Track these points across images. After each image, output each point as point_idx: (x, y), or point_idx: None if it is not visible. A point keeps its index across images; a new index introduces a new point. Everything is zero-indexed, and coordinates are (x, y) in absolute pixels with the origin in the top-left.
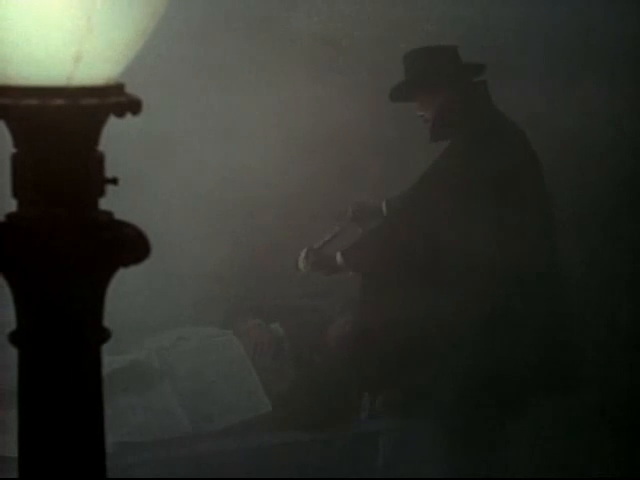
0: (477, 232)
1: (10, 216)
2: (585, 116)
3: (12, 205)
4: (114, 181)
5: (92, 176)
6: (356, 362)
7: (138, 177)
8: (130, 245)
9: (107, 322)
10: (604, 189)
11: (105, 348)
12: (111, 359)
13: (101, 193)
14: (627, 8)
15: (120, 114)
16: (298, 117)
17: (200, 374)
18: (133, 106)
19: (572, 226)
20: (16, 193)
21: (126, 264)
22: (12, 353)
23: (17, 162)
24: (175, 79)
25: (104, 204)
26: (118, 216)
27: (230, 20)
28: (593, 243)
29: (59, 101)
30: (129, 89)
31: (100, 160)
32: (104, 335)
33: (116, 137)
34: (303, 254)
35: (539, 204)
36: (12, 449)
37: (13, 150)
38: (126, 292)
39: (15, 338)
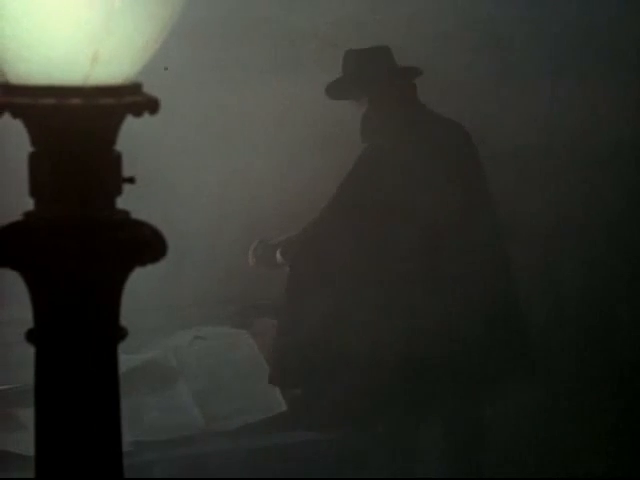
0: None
1: (27, 215)
2: (588, 116)
3: (24, 204)
4: (131, 180)
5: (109, 175)
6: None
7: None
8: (146, 244)
9: (124, 321)
10: (607, 189)
11: (121, 347)
12: (127, 358)
13: (118, 192)
14: (631, 8)
15: (137, 113)
16: (300, 117)
17: (216, 373)
18: (150, 105)
19: (573, 227)
20: (33, 192)
21: (142, 263)
22: (29, 351)
23: (34, 161)
24: (173, 79)
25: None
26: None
27: (230, 20)
28: (596, 244)
29: (76, 100)
30: None
31: (117, 159)
32: (121, 334)
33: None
34: (253, 246)
35: (476, 213)
36: (28, 447)
37: (30, 149)
38: (140, 291)
39: (32, 336)
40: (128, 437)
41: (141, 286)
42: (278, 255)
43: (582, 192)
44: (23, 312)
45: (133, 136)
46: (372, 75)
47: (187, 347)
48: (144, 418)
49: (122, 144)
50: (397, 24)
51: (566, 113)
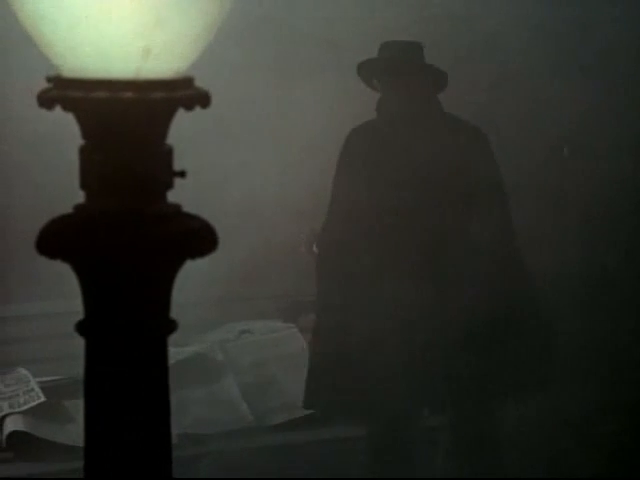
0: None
1: (78, 207)
2: (586, 116)
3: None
4: (182, 174)
5: (160, 169)
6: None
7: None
8: (197, 237)
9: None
10: (605, 189)
11: (169, 340)
12: (175, 351)
13: (169, 186)
14: (628, 8)
15: (189, 107)
16: (299, 117)
17: (262, 367)
18: (202, 99)
19: (573, 226)
20: (84, 185)
21: (193, 256)
22: (79, 343)
23: (85, 154)
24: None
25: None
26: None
27: (230, 21)
28: (596, 244)
29: (128, 94)
30: None
31: (168, 153)
32: (171, 327)
33: None
34: (305, 234)
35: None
36: (76, 438)
37: (81, 142)
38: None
39: (82, 328)
40: (175, 430)
41: (188, 280)
42: (314, 247)
43: (577, 191)
44: (75, 304)
45: None
46: (393, 61)
47: (234, 341)
48: (191, 411)
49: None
50: (396, 24)
51: (566, 113)
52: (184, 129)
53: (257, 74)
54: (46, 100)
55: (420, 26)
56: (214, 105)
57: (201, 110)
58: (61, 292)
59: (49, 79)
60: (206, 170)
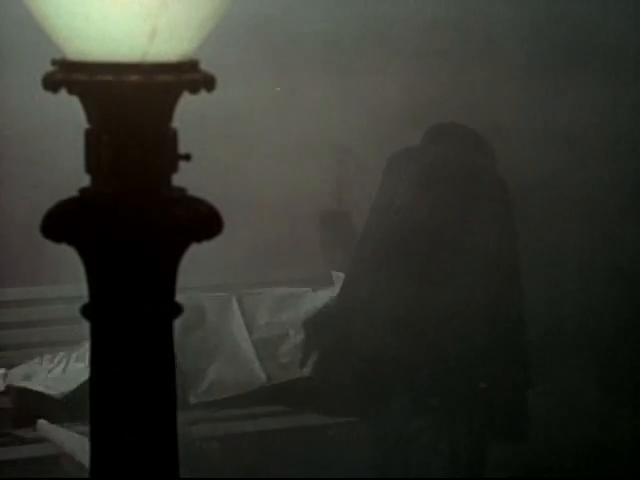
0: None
1: (83, 191)
2: (585, 115)
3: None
4: (187, 157)
5: (166, 152)
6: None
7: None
8: (202, 221)
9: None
10: (604, 188)
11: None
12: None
13: (174, 169)
14: (627, 7)
15: (194, 90)
16: (299, 117)
17: (276, 323)
18: (207, 83)
19: (572, 226)
20: (89, 169)
21: (198, 240)
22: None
23: (91, 138)
24: None
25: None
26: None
27: (229, 20)
28: (595, 242)
29: (134, 77)
30: None
31: (174, 136)
32: (176, 310)
33: None
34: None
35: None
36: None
37: (87, 126)
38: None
39: (87, 311)
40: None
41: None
42: None
43: (577, 190)
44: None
45: None
46: None
47: (250, 296)
48: (207, 376)
49: None
50: (396, 24)
51: (561, 112)
52: (184, 129)
53: (257, 74)
54: (51, 83)
55: (419, 26)
56: (213, 104)
57: (200, 109)
58: (65, 276)
59: (54, 62)
60: (207, 163)
